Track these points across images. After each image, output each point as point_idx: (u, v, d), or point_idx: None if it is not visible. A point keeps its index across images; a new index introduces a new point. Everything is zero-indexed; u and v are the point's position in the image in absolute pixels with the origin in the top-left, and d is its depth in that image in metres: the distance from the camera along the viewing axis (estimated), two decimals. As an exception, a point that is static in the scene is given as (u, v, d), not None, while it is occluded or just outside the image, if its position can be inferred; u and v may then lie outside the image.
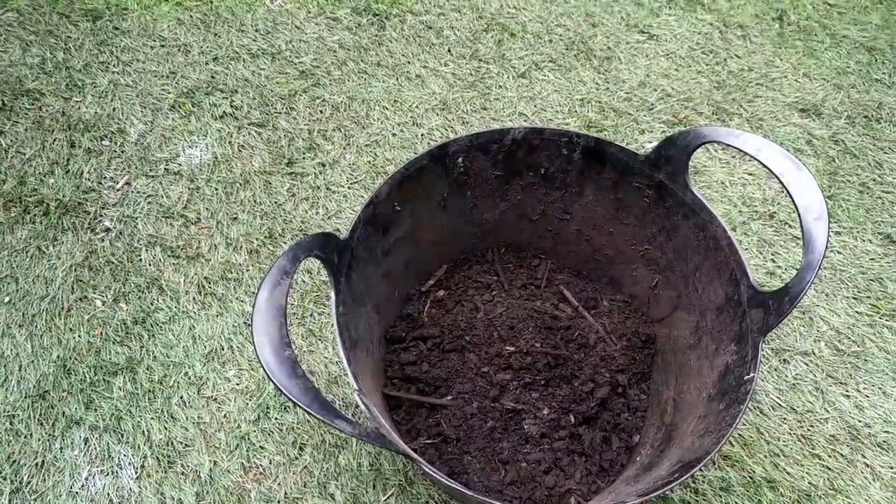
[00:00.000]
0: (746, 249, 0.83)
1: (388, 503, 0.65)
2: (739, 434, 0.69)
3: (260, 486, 0.66)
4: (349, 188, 0.88)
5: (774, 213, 0.86)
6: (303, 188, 0.88)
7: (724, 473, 0.66)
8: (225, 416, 0.70)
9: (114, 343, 0.75)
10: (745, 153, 0.51)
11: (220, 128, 0.94)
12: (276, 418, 0.69)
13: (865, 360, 0.74)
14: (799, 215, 0.48)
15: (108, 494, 0.65)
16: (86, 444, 0.68)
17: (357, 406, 0.70)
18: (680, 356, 0.64)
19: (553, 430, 0.64)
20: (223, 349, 0.74)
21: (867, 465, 0.67)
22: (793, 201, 0.49)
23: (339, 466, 0.67)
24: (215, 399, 0.71)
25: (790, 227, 0.85)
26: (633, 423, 0.65)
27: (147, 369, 0.73)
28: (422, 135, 0.94)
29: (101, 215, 0.85)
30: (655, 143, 0.59)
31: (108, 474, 0.67)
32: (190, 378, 0.72)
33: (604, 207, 0.68)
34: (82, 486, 0.66)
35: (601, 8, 1.12)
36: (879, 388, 0.72)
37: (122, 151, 0.91)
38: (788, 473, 0.66)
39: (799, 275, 0.48)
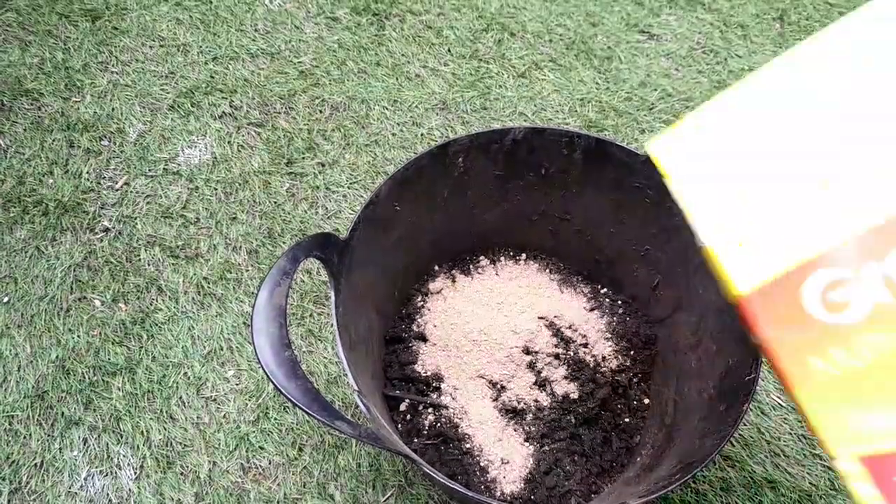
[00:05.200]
0: (747, 249, 0.82)
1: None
2: (740, 434, 0.68)
3: (259, 486, 0.66)
4: (349, 188, 0.88)
5: (775, 212, 0.86)
6: (302, 188, 0.88)
7: (725, 474, 0.66)
8: (224, 416, 0.70)
9: (113, 343, 0.74)
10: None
11: (220, 128, 0.93)
12: (275, 419, 0.69)
13: (866, 360, 0.74)
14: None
15: (108, 495, 0.65)
16: (85, 444, 0.68)
17: (357, 406, 0.70)
18: (681, 357, 0.64)
19: (553, 431, 0.64)
20: (222, 349, 0.74)
21: (868, 466, 0.67)
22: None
23: (338, 467, 0.66)
24: (214, 399, 0.71)
25: (791, 226, 0.84)
26: (634, 423, 0.65)
27: (146, 370, 0.73)
28: (422, 134, 0.94)
29: (101, 215, 0.85)
30: (656, 143, 0.59)
31: (107, 475, 0.66)
32: (189, 378, 0.72)
33: (604, 207, 0.68)
34: (81, 486, 0.66)
35: (601, 7, 1.12)
36: (880, 389, 0.72)
37: (121, 151, 0.91)
38: (789, 473, 0.66)
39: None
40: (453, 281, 0.74)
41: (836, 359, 0.31)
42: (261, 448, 0.68)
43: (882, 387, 0.31)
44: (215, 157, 0.91)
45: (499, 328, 0.69)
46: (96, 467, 0.67)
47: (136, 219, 0.84)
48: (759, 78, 0.35)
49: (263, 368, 0.44)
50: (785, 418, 0.70)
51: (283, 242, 0.83)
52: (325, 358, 0.74)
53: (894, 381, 0.30)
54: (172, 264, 0.81)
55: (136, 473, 0.66)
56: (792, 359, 0.32)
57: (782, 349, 0.33)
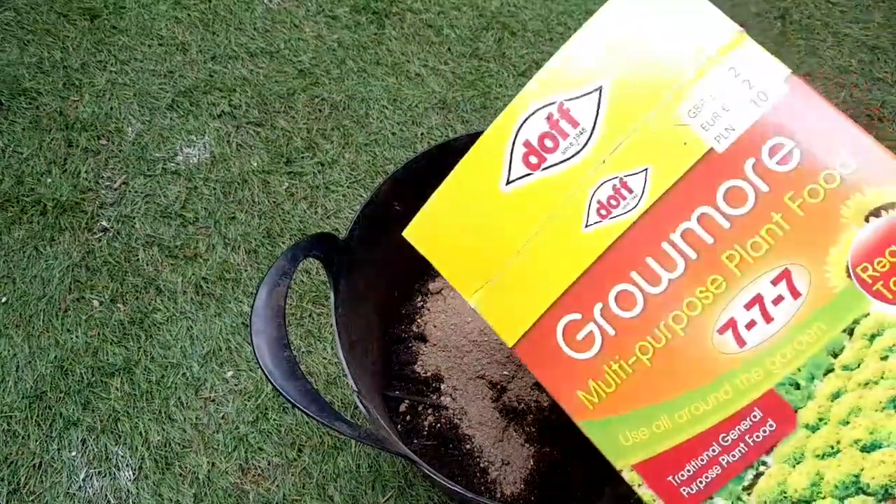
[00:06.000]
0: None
1: (388, 505, 0.64)
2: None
3: (258, 487, 0.65)
4: (348, 188, 0.88)
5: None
6: (301, 188, 0.87)
7: (726, 475, 0.66)
8: (223, 417, 0.69)
9: (111, 344, 0.74)
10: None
11: (219, 127, 0.93)
12: (274, 419, 0.69)
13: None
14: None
15: (106, 496, 0.65)
16: (83, 445, 0.68)
17: (356, 407, 0.70)
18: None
19: (554, 432, 0.64)
20: (221, 350, 0.74)
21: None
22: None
23: (337, 468, 0.66)
24: (213, 400, 0.71)
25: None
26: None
27: (145, 370, 0.72)
28: (421, 134, 0.94)
29: (99, 215, 0.84)
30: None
31: (105, 475, 0.66)
32: (188, 379, 0.72)
33: (605, 207, 0.68)
34: (80, 487, 0.65)
35: (602, 6, 1.12)
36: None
37: (120, 151, 0.91)
38: (791, 475, 0.66)
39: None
40: (453, 281, 0.74)
41: (595, 389, 0.38)
42: (260, 449, 0.67)
43: (630, 405, 0.37)
44: (214, 157, 0.90)
45: (499, 328, 0.69)
46: (95, 468, 0.67)
47: (134, 218, 0.84)
48: (464, 167, 0.42)
49: (262, 369, 0.43)
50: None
51: (283, 242, 0.82)
52: (324, 358, 0.73)
53: (637, 401, 0.37)
54: (171, 264, 0.80)
55: (134, 474, 0.66)
56: (565, 395, 0.39)
57: (554, 388, 0.39)
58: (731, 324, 0.35)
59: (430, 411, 0.65)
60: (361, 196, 0.87)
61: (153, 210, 0.85)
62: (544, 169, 0.40)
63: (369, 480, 0.65)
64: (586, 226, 0.39)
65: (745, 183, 0.36)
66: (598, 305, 0.38)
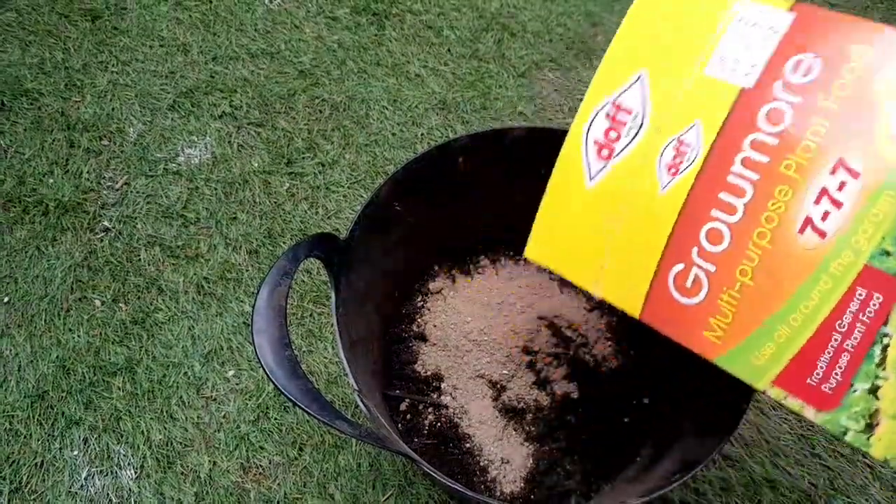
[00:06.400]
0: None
1: (388, 503, 0.65)
2: (740, 434, 0.69)
3: (259, 486, 0.66)
4: (349, 188, 0.88)
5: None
6: (302, 188, 0.88)
7: (725, 473, 0.66)
8: (224, 416, 0.70)
9: (113, 343, 0.75)
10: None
11: (220, 127, 0.93)
12: (275, 418, 0.69)
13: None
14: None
15: (108, 494, 0.65)
16: (85, 444, 0.68)
17: (357, 406, 0.70)
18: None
19: (553, 430, 0.64)
20: (222, 349, 0.74)
21: (867, 465, 0.67)
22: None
23: (338, 467, 0.67)
24: (215, 399, 0.71)
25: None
26: (634, 423, 0.65)
27: (146, 369, 0.73)
28: (421, 134, 0.94)
29: (101, 215, 0.85)
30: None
31: (107, 474, 0.67)
32: (189, 378, 0.72)
33: (604, 207, 0.68)
34: (81, 486, 0.66)
35: (601, 7, 1.12)
36: (880, 388, 0.72)
37: (121, 151, 0.91)
38: (789, 473, 0.66)
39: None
40: (453, 281, 0.74)
41: (716, 325, 0.41)
42: (261, 448, 0.68)
43: (749, 328, 0.40)
44: (215, 157, 0.91)
45: (499, 328, 0.69)
46: (96, 467, 0.67)
47: (136, 219, 0.84)
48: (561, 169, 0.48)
49: (264, 368, 0.44)
50: (784, 418, 0.70)
51: (284, 242, 0.83)
52: (325, 358, 0.74)
53: (754, 320, 0.40)
54: (172, 264, 0.81)
55: (136, 473, 0.67)
56: (695, 340, 0.42)
57: (684, 338, 0.42)
58: (808, 221, 0.38)
59: (430, 410, 0.65)
60: (362, 196, 0.87)
61: (155, 210, 0.85)
62: (616, 156, 0.45)
63: (370, 479, 0.66)
64: (662, 188, 0.43)
65: (779, 102, 0.40)
66: (694, 249, 0.42)
